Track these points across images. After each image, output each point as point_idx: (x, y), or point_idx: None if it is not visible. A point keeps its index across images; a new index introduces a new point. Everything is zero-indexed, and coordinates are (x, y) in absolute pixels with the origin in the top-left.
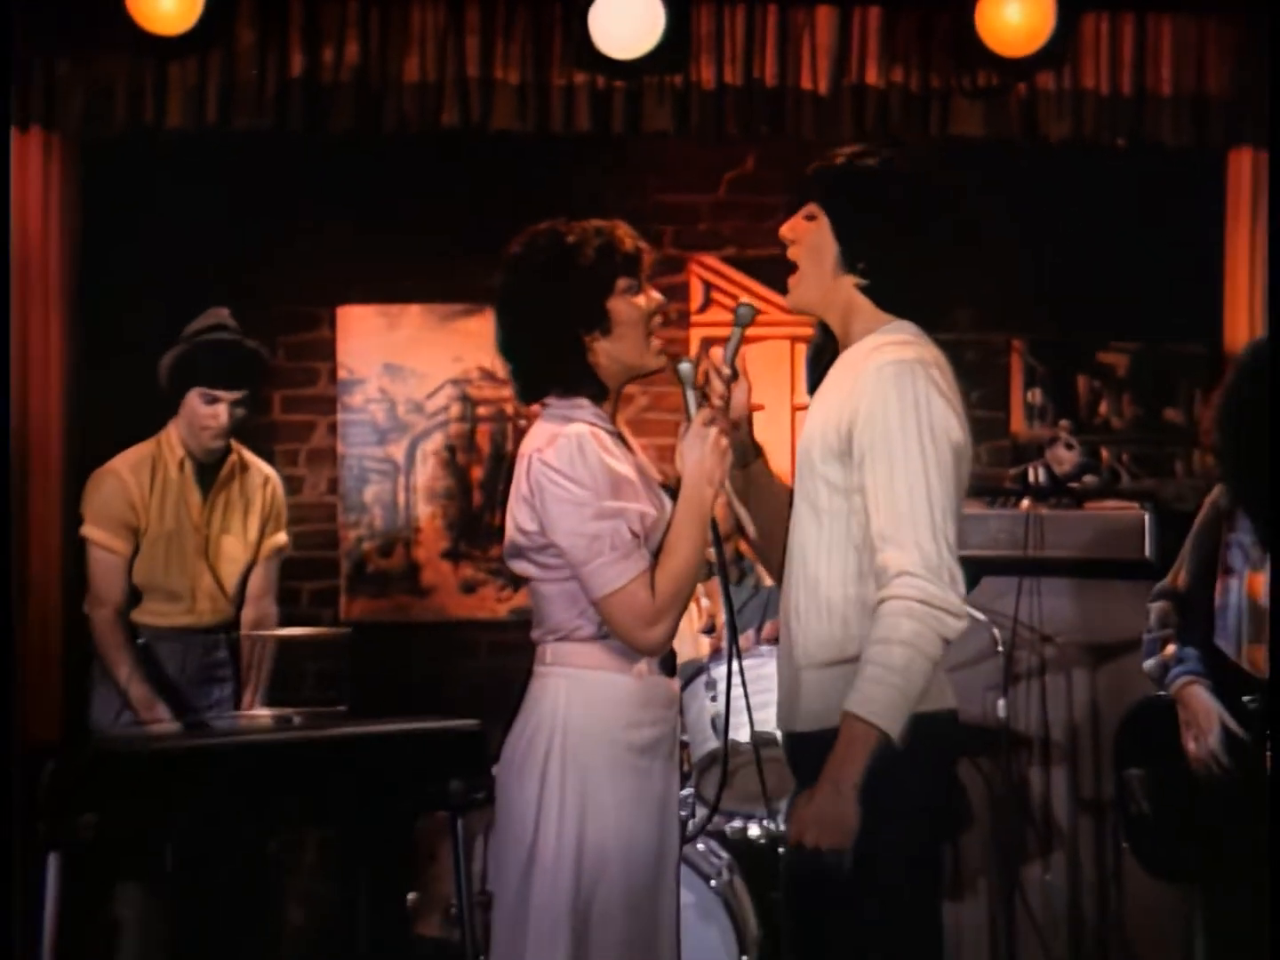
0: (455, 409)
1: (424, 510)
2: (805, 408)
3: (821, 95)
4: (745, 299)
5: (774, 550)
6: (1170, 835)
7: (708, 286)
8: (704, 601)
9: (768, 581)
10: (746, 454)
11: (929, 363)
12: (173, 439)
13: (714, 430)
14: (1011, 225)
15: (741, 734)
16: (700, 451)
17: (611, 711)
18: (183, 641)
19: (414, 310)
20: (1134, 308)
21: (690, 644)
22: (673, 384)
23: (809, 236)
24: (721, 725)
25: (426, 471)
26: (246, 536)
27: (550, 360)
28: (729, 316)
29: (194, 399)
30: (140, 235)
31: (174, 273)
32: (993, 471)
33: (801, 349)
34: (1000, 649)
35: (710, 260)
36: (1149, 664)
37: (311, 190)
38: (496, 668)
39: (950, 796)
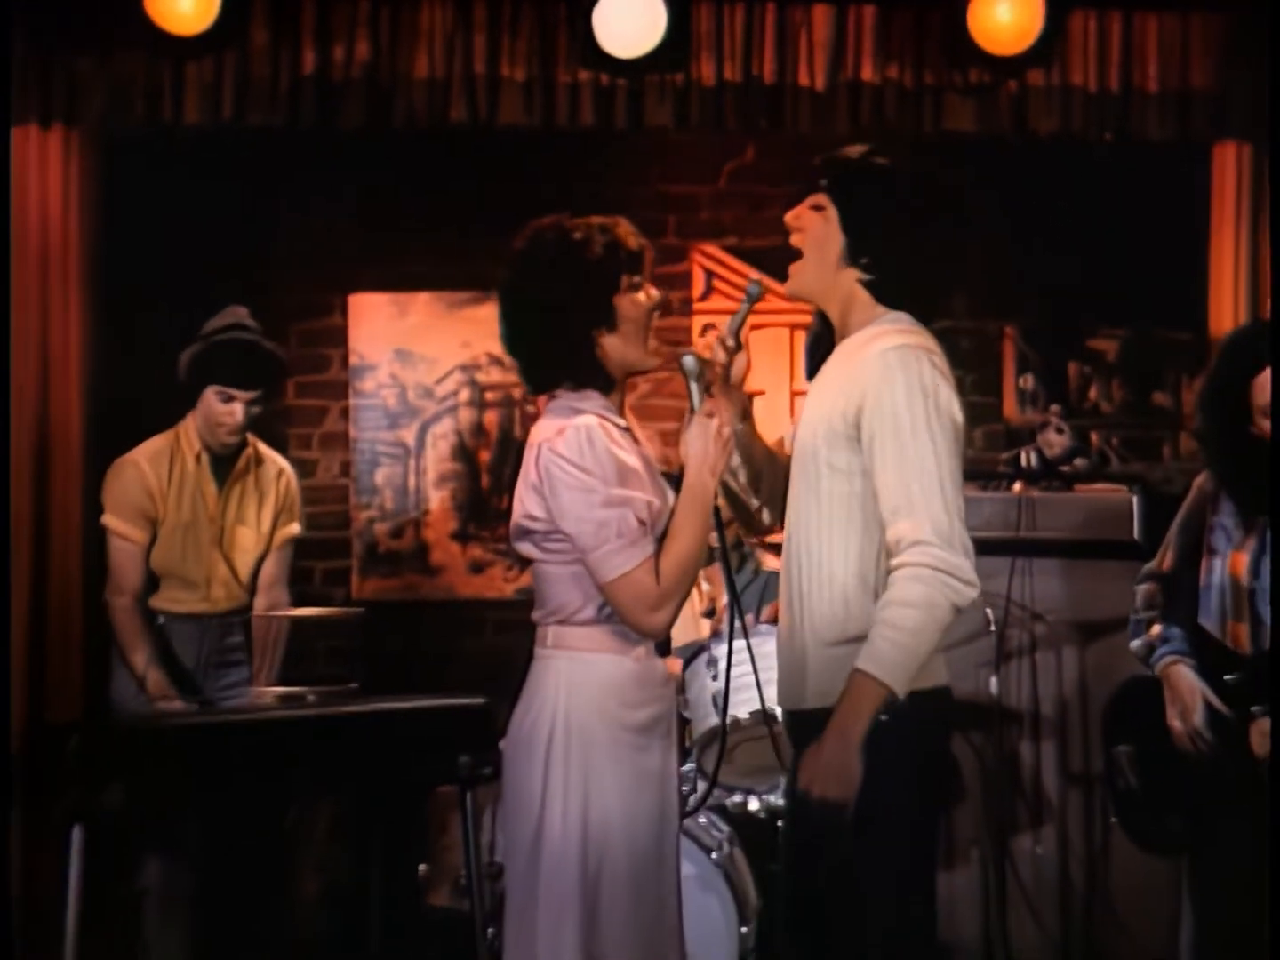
0: (464, 394)
1: (433, 492)
2: (804, 394)
3: (818, 91)
4: (756, 277)
5: (767, 497)
6: (1157, 809)
7: (709, 275)
8: (705, 586)
9: (766, 566)
10: (740, 415)
11: (930, 349)
12: (190, 432)
13: (716, 421)
14: (1004, 217)
15: (741, 710)
16: (703, 442)
17: (610, 693)
18: (199, 626)
19: (423, 298)
20: (1123, 296)
21: (691, 626)
22: (675, 370)
23: (815, 227)
24: (722, 703)
25: (436, 455)
26: (260, 527)
27: (560, 355)
28: (731, 305)
29: (210, 396)
30: (158, 228)
31: (191, 264)
32: (986, 455)
33: (800, 336)
34: (992, 627)
35: (711, 249)
36: (1135, 644)
37: (324, 183)
38: (503, 645)
39: (944, 769)
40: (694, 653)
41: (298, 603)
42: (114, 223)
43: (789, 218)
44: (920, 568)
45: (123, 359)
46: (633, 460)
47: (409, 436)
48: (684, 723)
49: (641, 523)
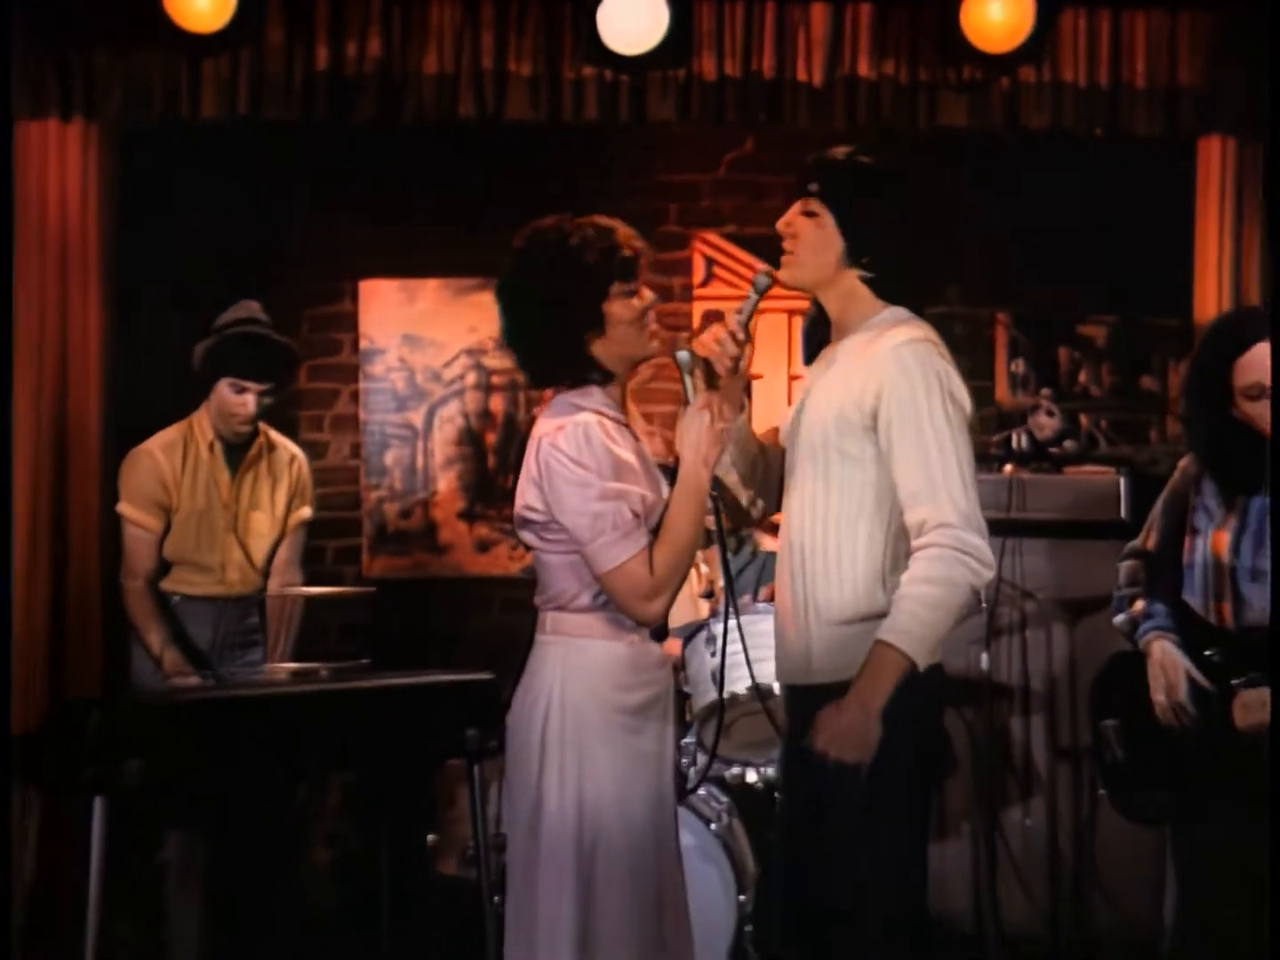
0: (471, 377)
1: (441, 473)
2: (800, 378)
3: (816, 87)
4: (763, 269)
5: (760, 490)
6: (1143, 781)
7: (709, 262)
8: (704, 568)
9: (764, 548)
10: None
11: (936, 342)
12: (203, 422)
13: (709, 414)
14: (997, 209)
15: (740, 686)
16: (697, 435)
17: (604, 677)
18: (215, 607)
19: (431, 284)
20: (1111, 284)
21: (690, 607)
22: (667, 355)
23: (809, 233)
24: (718, 681)
25: (444, 436)
26: (274, 512)
27: (552, 353)
28: (730, 291)
29: (223, 388)
30: (175, 219)
31: (207, 252)
32: (978, 438)
33: (798, 322)
34: (984, 605)
35: (711, 236)
36: (1119, 619)
37: (336, 175)
38: (509, 622)
39: (937, 744)
40: (693, 632)
41: (310, 581)
42: (131, 214)
43: (781, 225)
44: (944, 549)
45: (139, 350)
46: (628, 455)
47: (417, 419)
48: (684, 698)
49: (636, 515)
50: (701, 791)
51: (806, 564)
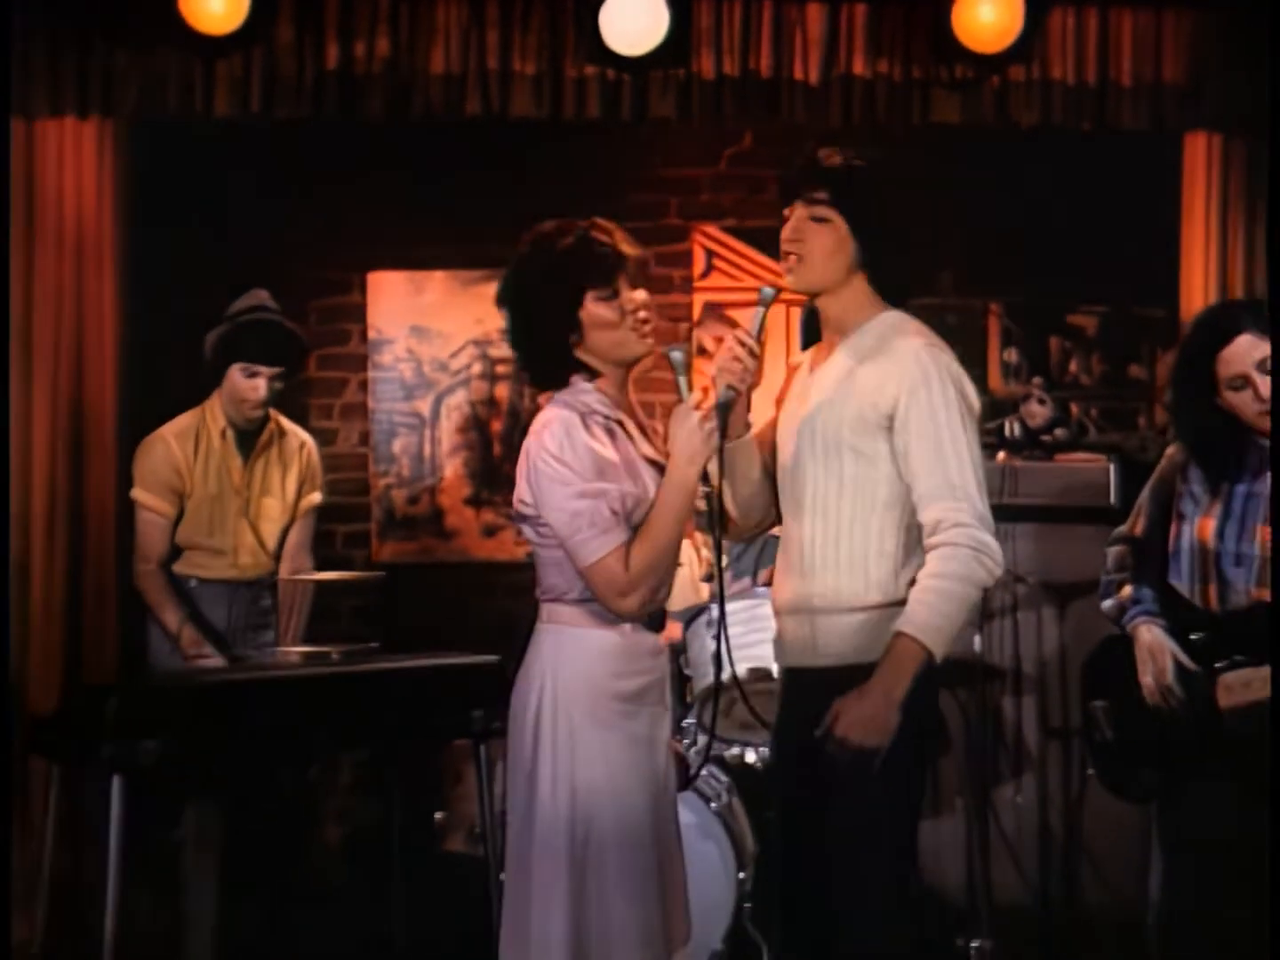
0: (476, 367)
1: (448, 460)
2: (798, 366)
3: (812, 85)
4: (768, 284)
5: (744, 510)
6: (1130, 760)
7: (709, 254)
8: (705, 551)
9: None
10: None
11: (945, 346)
12: (215, 409)
13: (699, 414)
14: (989, 203)
15: (740, 669)
16: (685, 434)
17: (597, 664)
18: (229, 590)
19: (438, 276)
20: (1101, 275)
21: (691, 590)
22: (668, 344)
23: (821, 238)
24: (727, 661)
25: (450, 425)
26: (285, 497)
27: (538, 357)
28: (729, 282)
29: (235, 374)
30: (189, 212)
31: (219, 245)
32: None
33: (796, 311)
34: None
35: (711, 229)
36: (1107, 604)
37: (346, 170)
38: (514, 605)
39: (933, 724)
40: (694, 615)
41: (321, 565)
42: (145, 208)
43: (787, 234)
44: (960, 547)
45: (153, 340)
46: (610, 454)
47: (424, 407)
48: (685, 680)
49: (615, 513)
50: (702, 771)
51: (819, 556)
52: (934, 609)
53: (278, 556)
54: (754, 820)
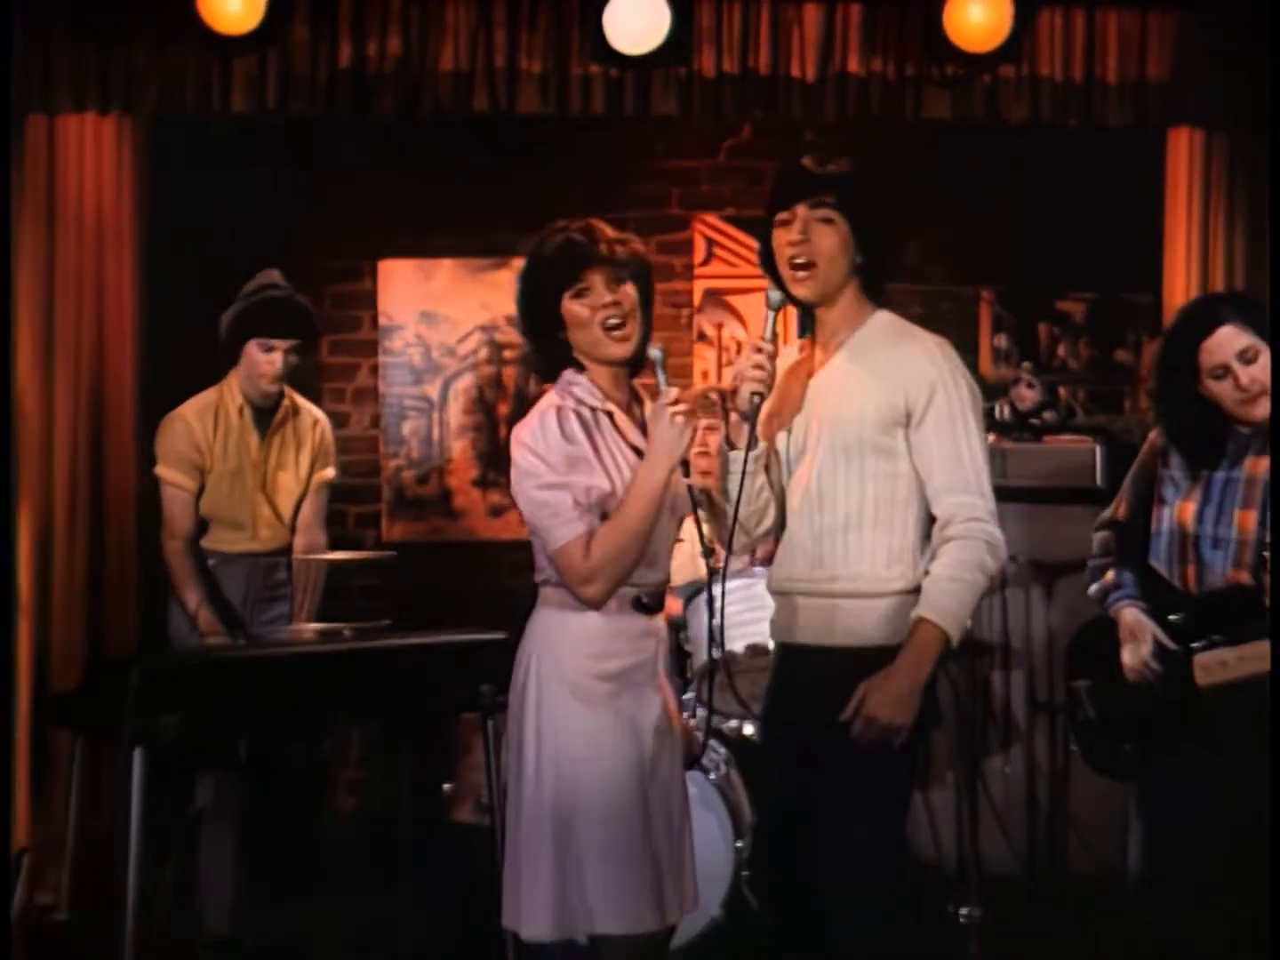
0: (484, 352)
1: (455, 443)
2: (791, 369)
3: (809, 82)
4: (772, 290)
5: (758, 517)
6: (1112, 737)
7: (709, 242)
8: (705, 528)
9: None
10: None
11: (949, 344)
12: (233, 387)
13: (673, 410)
14: (981, 196)
15: (738, 645)
16: (659, 430)
17: (580, 645)
18: (247, 565)
19: (447, 264)
20: (1089, 264)
21: (690, 566)
22: (675, 329)
23: (828, 239)
24: (718, 639)
25: (458, 408)
26: (299, 472)
27: (537, 350)
28: (728, 269)
29: (252, 349)
30: (207, 204)
31: (237, 235)
32: None
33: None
34: None
35: (711, 219)
36: (1092, 589)
37: (359, 163)
38: (520, 583)
39: (931, 700)
40: (694, 591)
41: (333, 544)
42: (164, 199)
43: (794, 235)
44: (976, 540)
45: (171, 323)
46: (582, 447)
47: (433, 391)
48: (685, 656)
49: (577, 504)
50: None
51: (840, 546)
52: (954, 596)
53: (294, 529)
54: (751, 791)
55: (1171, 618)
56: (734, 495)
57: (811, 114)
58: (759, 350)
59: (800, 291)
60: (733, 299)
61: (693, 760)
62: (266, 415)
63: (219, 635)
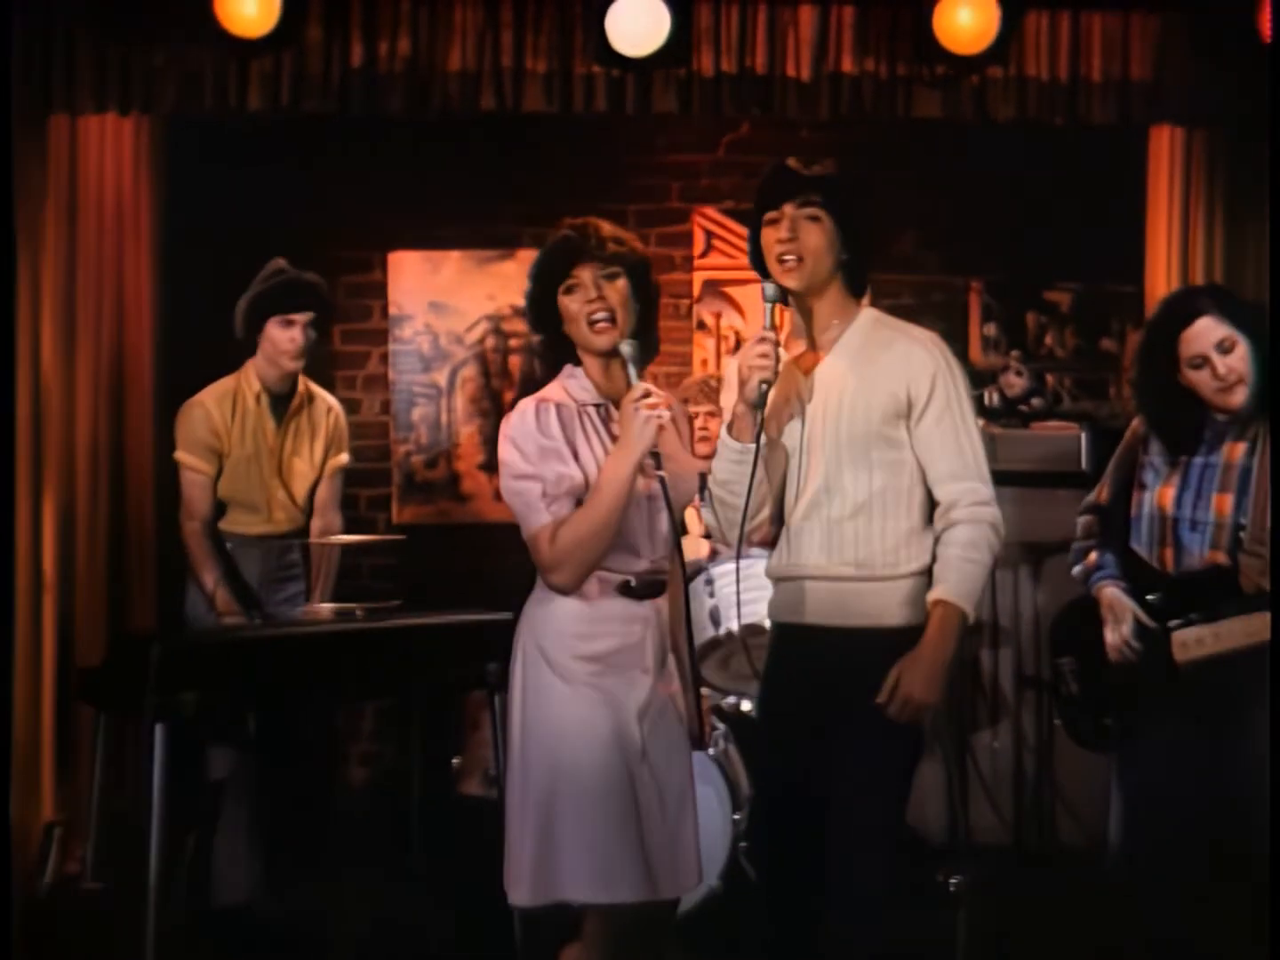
0: (490, 341)
1: (463, 428)
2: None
3: (804, 81)
4: (768, 284)
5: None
6: (1094, 712)
7: (709, 234)
8: (704, 512)
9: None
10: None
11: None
12: (250, 375)
13: (640, 404)
14: (971, 190)
15: (735, 625)
16: (626, 423)
17: (564, 626)
18: (262, 547)
19: (454, 256)
20: (1075, 255)
21: (691, 548)
22: (675, 319)
23: (814, 236)
24: (718, 617)
25: (465, 395)
26: (313, 457)
27: (541, 343)
28: (727, 261)
29: (272, 328)
30: (225, 199)
31: (250, 228)
32: None
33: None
34: None
35: (710, 211)
36: (1076, 571)
37: (370, 159)
38: (524, 565)
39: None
40: (694, 573)
41: (345, 527)
42: (181, 194)
43: (783, 233)
44: (983, 524)
45: (188, 312)
46: (554, 441)
47: (441, 378)
48: None
49: (545, 495)
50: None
51: (849, 532)
52: (968, 577)
53: (309, 512)
54: (748, 765)
55: (1150, 597)
56: (740, 484)
57: (807, 112)
58: (763, 340)
59: (788, 281)
60: (731, 289)
61: (699, 743)
62: (283, 402)
63: (236, 614)
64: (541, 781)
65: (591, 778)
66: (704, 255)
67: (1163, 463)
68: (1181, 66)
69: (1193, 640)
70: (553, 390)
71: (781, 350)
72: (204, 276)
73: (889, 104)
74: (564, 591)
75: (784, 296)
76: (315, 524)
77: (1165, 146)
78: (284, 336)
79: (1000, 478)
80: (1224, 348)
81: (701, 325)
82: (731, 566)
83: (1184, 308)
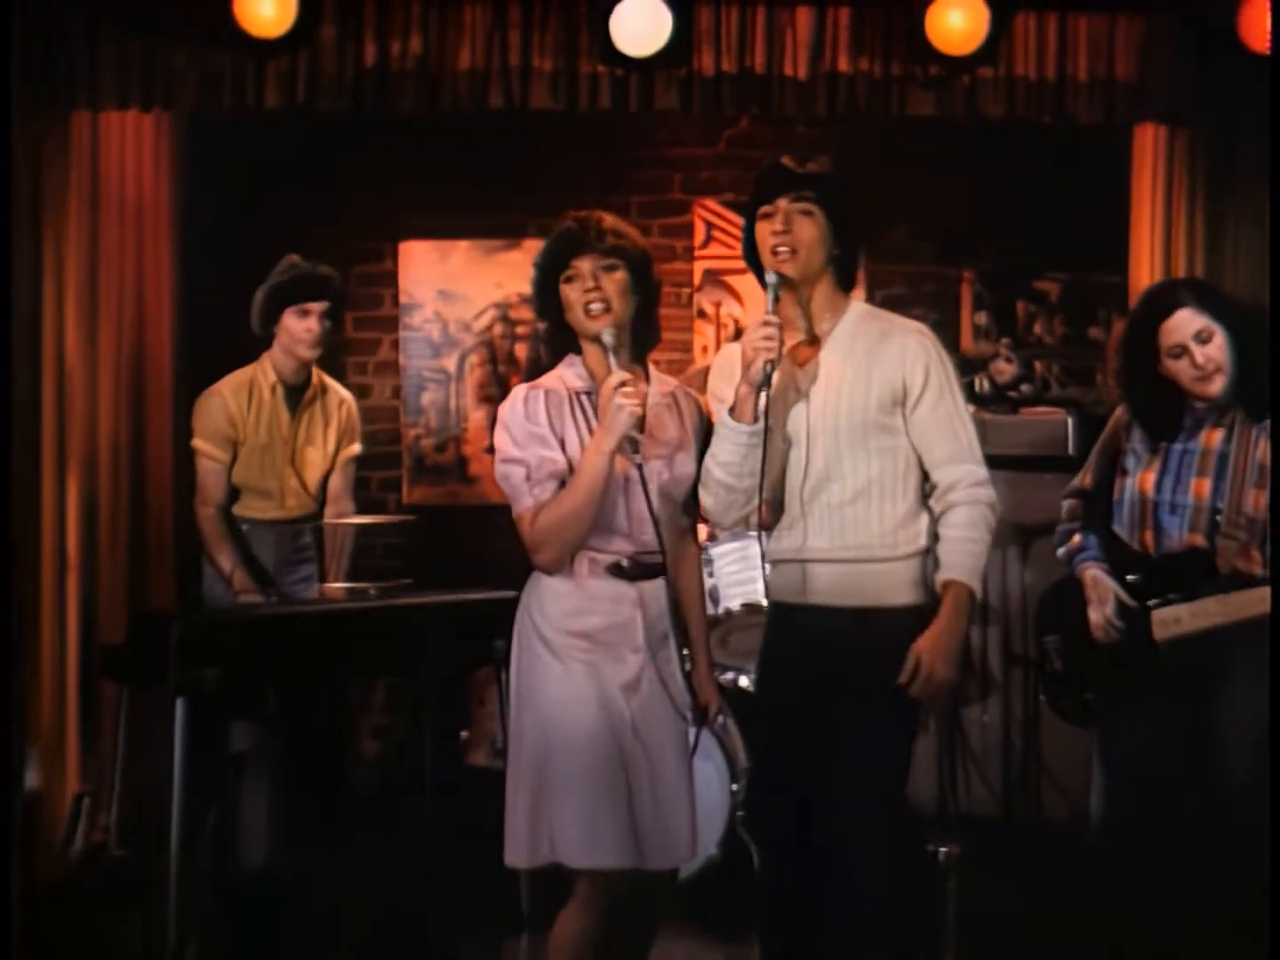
0: (497, 328)
1: (471, 413)
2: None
3: (801, 80)
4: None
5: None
6: (1078, 688)
7: (709, 225)
8: (701, 494)
9: None
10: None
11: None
12: (266, 367)
13: (616, 391)
14: (963, 185)
15: (734, 604)
16: (604, 409)
17: (556, 604)
18: (276, 530)
19: (463, 245)
20: (1063, 246)
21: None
22: (676, 307)
23: (807, 229)
24: (716, 596)
25: (473, 380)
26: (326, 448)
27: (546, 330)
28: (727, 251)
29: (289, 318)
30: (237, 191)
31: (269, 222)
32: None
33: None
34: None
35: (711, 203)
36: (1060, 552)
37: (382, 154)
38: None
39: None
40: None
41: (358, 508)
42: (201, 187)
43: (778, 226)
44: (982, 504)
45: (205, 304)
46: (540, 427)
47: (450, 364)
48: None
49: (528, 479)
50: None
51: (849, 516)
52: (972, 556)
53: (320, 499)
54: (746, 738)
55: (1131, 578)
56: (740, 465)
57: (804, 110)
58: (767, 324)
59: (787, 269)
60: (730, 278)
61: (700, 717)
62: (297, 393)
63: (253, 594)
64: (534, 749)
65: (580, 747)
66: (704, 246)
67: (1144, 449)
68: (1165, 67)
69: (1171, 619)
70: (548, 378)
71: (784, 334)
72: (221, 269)
73: (883, 102)
74: (548, 571)
75: (785, 283)
76: (329, 512)
77: (1149, 144)
78: (300, 326)
79: (990, 462)
80: (1202, 338)
81: (702, 313)
82: (729, 547)
83: (1164, 300)
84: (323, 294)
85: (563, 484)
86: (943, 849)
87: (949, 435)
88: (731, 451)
